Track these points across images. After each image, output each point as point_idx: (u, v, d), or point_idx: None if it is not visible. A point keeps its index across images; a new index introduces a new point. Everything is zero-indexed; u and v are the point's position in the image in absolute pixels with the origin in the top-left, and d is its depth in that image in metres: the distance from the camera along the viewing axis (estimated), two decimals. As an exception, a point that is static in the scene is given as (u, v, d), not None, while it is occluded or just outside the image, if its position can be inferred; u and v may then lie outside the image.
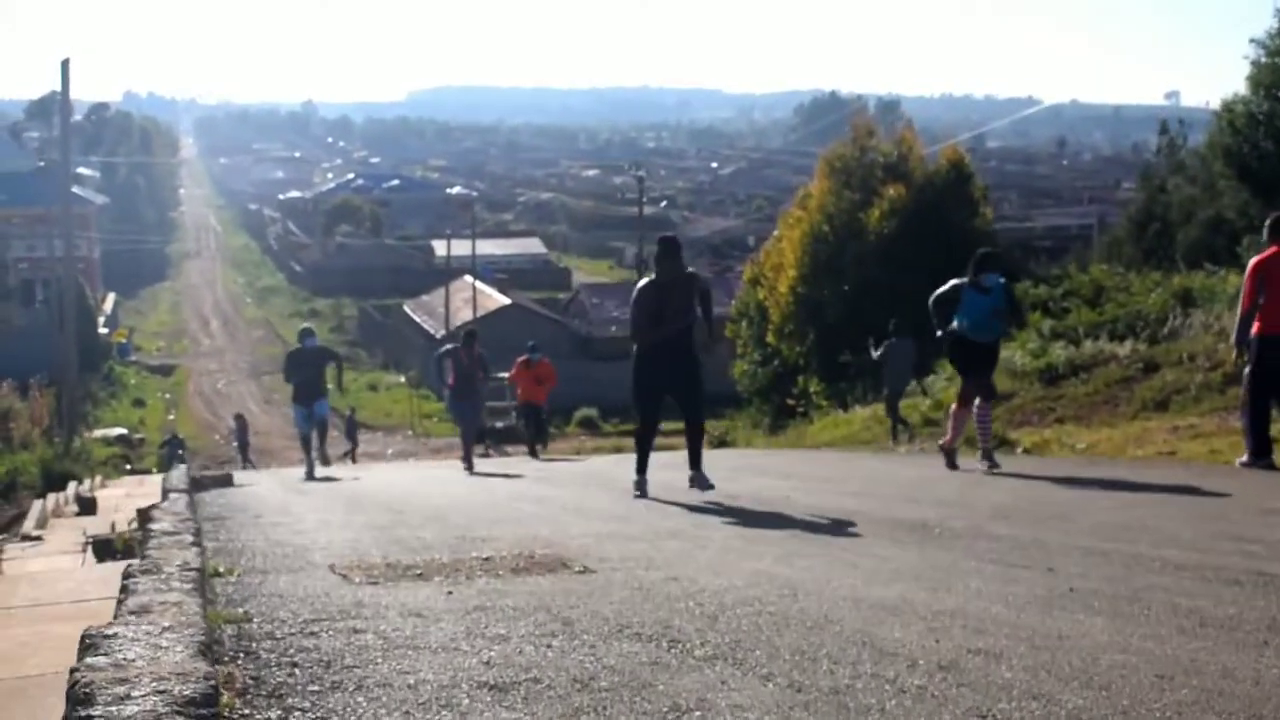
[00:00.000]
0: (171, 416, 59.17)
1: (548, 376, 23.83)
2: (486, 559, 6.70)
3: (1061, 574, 5.89)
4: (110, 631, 3.07)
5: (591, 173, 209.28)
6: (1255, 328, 10.88)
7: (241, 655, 4.11)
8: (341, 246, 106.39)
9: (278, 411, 61.33)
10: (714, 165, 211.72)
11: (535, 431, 24.26)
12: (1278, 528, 7.50)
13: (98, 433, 48.99)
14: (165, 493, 11.75)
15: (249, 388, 67.83)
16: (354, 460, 42.96)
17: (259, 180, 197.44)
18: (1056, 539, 7.18)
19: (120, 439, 49.28)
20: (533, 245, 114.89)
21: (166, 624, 3.21)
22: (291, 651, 4.20)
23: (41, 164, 64.92)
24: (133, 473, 41.22)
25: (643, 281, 11.02)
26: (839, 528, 8.05)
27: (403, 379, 66.42)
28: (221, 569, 6.35)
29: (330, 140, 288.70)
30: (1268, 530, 7.31)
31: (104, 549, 11.61)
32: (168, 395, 64.67)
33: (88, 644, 2.98)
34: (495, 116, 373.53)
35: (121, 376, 66.22)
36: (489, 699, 3.61)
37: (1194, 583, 5.55)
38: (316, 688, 3.70)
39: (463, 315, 65.50)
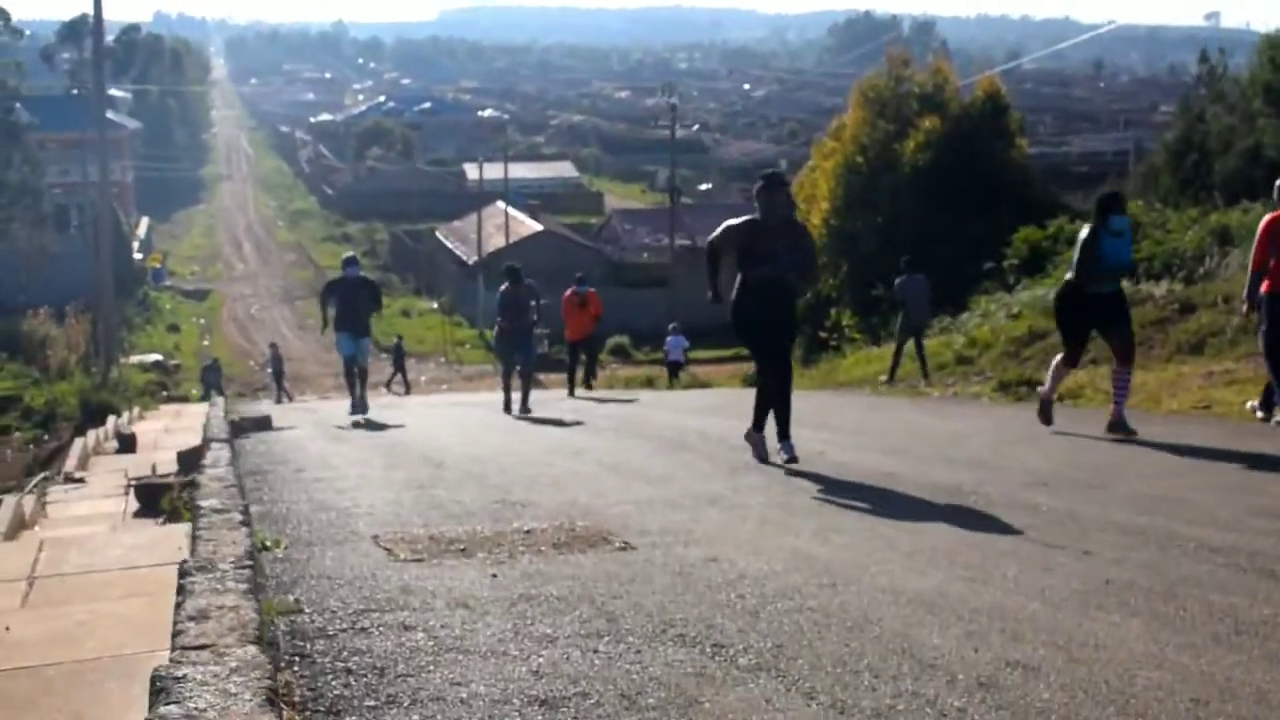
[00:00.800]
0: (206, 342, 59.60)
1: (597, 309, 22.88)
2: (528, 532, 6.81)
3: (1098, 558, 5.95)
4: (179, 674, 3.16)
5: (624, 94, 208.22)
6: (1265, 286, 10.87)
7: (297, 659, 4.22)
8: (373, 170, 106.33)
9: (311, 337, 61.66)
10: (746, 87, 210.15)
11: (587, 369, 23.36)
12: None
13: (134, 359, 49.48)
14: (206, 442, 11.88)
15: (282, 313, 68.21)
16: (406, 389, 43.16)
17: (290, 102, 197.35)
18: (1092, 512, 7.22)
19: (156, 365, 49.77)
20: (565, 169, 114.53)
21: (233, 664, 3.30)
22: (345, 654, 4.30)
23: (75, 91, 64.71)
24: (169, 399, 41.65)
25: (736, 220, 9.92)
26: (875, 496, 8.11)
27: (435, 305, 66.58)
28: (269, 542, 6.48)
29: (361, 61, 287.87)
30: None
31: (147, 496, 11.79)
32: (202, 321, 65.08)
33: (158, 688, 3.08)
34: (527, 37, 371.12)
35: (156, 301, 66.66)
36: (540, 718, 3.70)
37: (1229, 573, 5.60)
38: (373, 702, 3.80)
39: (495, 241, 65.54)
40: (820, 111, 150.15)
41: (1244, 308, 11.86)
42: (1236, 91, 45.47)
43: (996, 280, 27.47)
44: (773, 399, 10.06)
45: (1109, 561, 5.87)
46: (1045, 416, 11.77)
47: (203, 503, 6.51)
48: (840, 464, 9.71)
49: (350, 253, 19.62)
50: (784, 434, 9.92)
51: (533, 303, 17.95)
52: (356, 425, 15.65)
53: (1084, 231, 11.32)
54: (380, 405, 22.37)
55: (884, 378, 21.86)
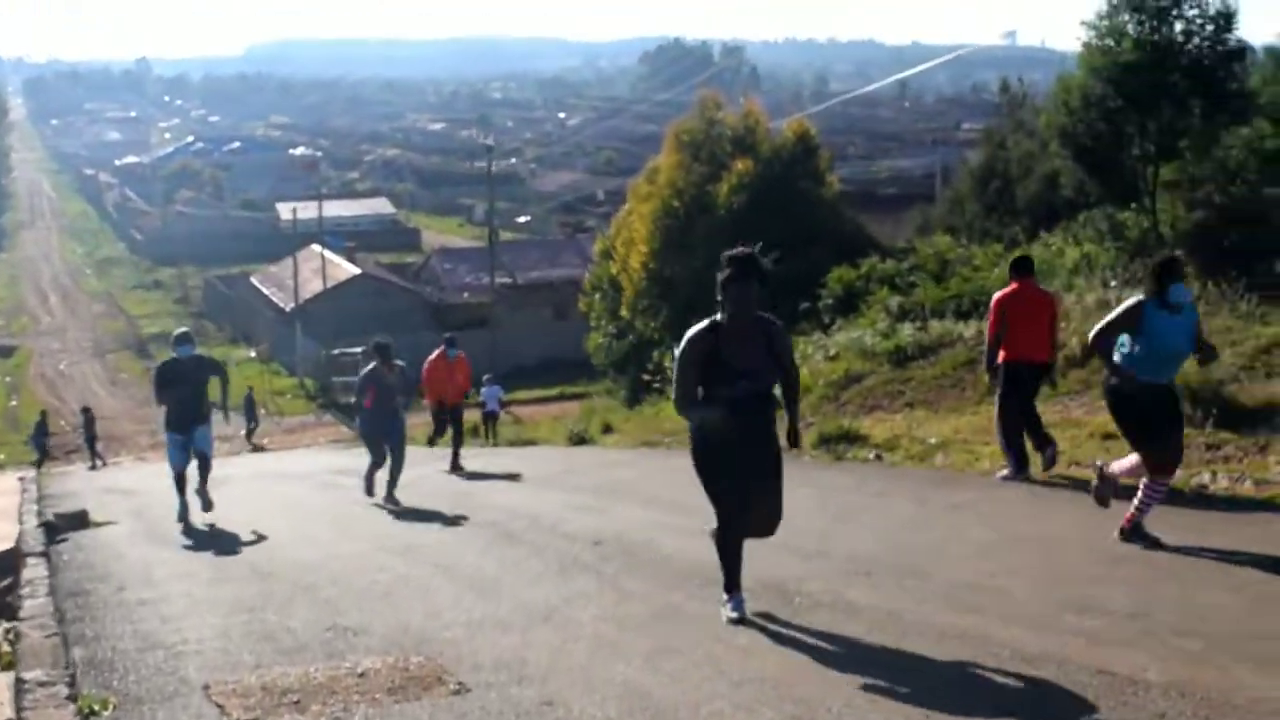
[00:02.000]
0: (14, 402, 57.58)
1: (466, 374, 20.59)
2: (361, 675, 6.79)
3: (919, 680, 6.17)
4: None
5: (438, 126, 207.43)
6: (1001, 355, 12.47)
7: None
8: (182, 213, 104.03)
9: (124, 393, 60.09)
10: (562, 115, 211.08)
11: (456, 439, 20.13)
12: (1110, 585, 7.90)
13: (-64, 422, 47.59)
14: (22, 556, 11.53)
15: (93, 368, 66.24)
16: (250, 441, 42.49)
17: (93, 142, 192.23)
18: (912, 610, 7.48)
19: (-39, 429, 47.87)
20: (381, 205, 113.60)
21: None
22: None
23: None
24: (-26, 463, 40.18)
25: (697, 326, 7.70)
26: (702, 595, 8.28)
27: (253, 353, 65.39)
28: (96, 705, 6.34)
29: (167, 99, 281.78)
30: (1103, 591, 7.71)
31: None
32: (8, 379, 62.85)
33: None
34: (339, 70, 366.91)
35: (-42, 361, 64.21)
36: None
37: (1047, 697, 5.88)
38: None
39: (312, 286, 64.65)
40: (635, 140, 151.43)
41: (987, 373, 13.28)
42: (1035, 120, 47.28)
43: (813, 320, 28.03)
44: (735, 547, 8.02)
45: (933, 685, 6.09)
46: (1103, 499, 9.74)
47: (26, 675, 6.34)
48: (669, 557, 9.85)
49: (183, 328, 15.76)
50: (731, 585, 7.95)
51: (400, 393, 15.68)
52: (189, 529, 13.65)
53: (1128, 302, 9.29)
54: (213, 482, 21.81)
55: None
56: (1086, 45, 25.90)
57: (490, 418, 32.17)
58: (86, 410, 41.29)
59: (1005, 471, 12.57)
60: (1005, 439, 12.62)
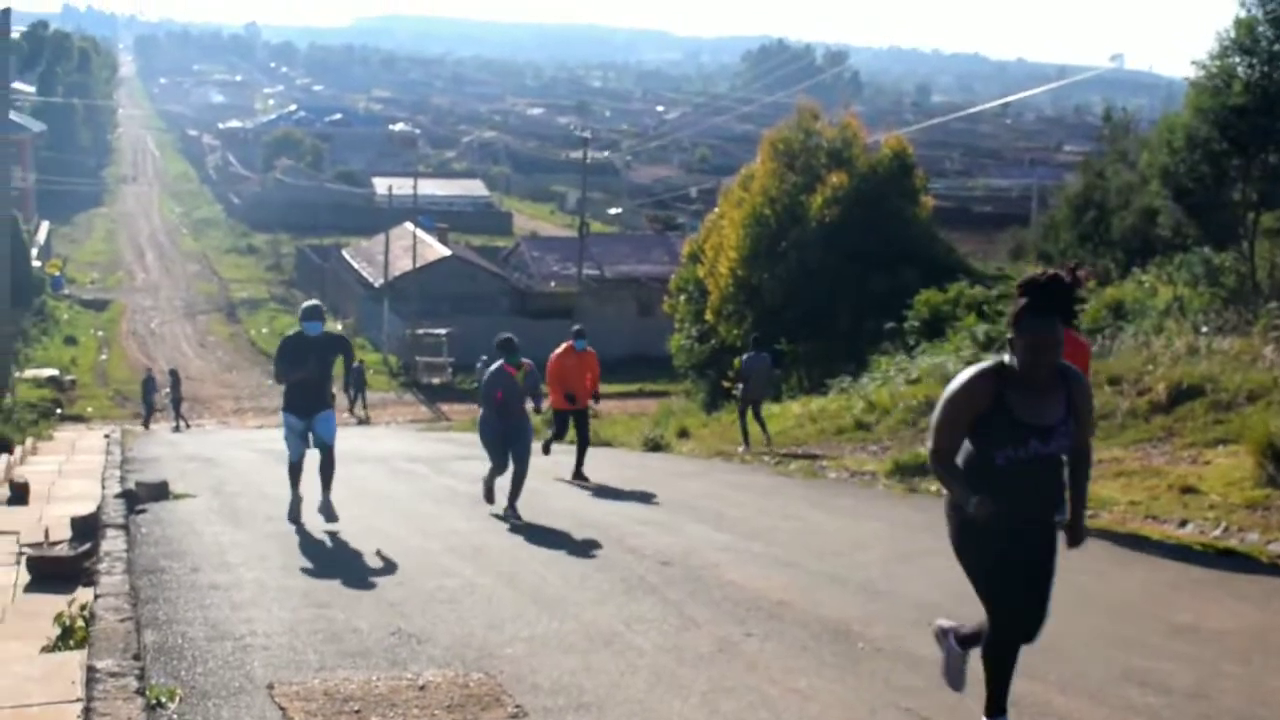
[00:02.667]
0: (104, 356, 58.66)
1: (596, 373, 18.10)
2: (422, 688, 6.90)
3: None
4: None
5: (537, 111, 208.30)
6: None
7: None
8: (280, 181, 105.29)
9: (211, 355, 61.02)
10: (660, 109, 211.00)
11: (582, 444, 17.80)
12: (1174, 660, 7.82)
13: (29, 373, 48.52)
14: (101, 527, 11.80)
15: (183, 328, 67.33)
16: (356, 414, 42.45)
17: (199, 104, 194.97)
18: (973, 668, 7.44)
19: (52, 380, 48.84)
20: (475, 187, 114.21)
21: None
22: None
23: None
24: (63, 418, 41.07)
25: (977, 367, 6.07)
26: (764, 634, 8.31)
27: (339, 326, 66.09)
28: (163, 697, 6.51)
29: (273, 65, 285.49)
30: (1167, 666, 7.64)
31: (39, 569, 11.71)
32: (100, 333, 64.02)
33: None
34: (442, 48, 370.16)
35: (54, 311, 65.40)
36: None
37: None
38: None
39: (402, 264, 65.27)
40: (732, 138, 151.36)
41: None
42: (1137, 150, 46.61)
43: (897, 341, 27.92)
44: (1011, 658, 6.46)
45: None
46: None
47: (98, 664, 6.51)
48: (733, 584, 9.89)
49: (313, 301, 13.70)
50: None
51: (528, 395, 14.30)
52: (299, 523, 12.74)
53: None
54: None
55: (741, 447, 22.35)
56: (1195, 85, 25.53)
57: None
58: (174, 372, 42.06)
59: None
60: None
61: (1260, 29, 24.90)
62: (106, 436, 28.44)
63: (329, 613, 8.74)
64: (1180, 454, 15.74)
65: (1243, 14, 25.10)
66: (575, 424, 17.84)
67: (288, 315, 71.16)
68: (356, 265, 73.08)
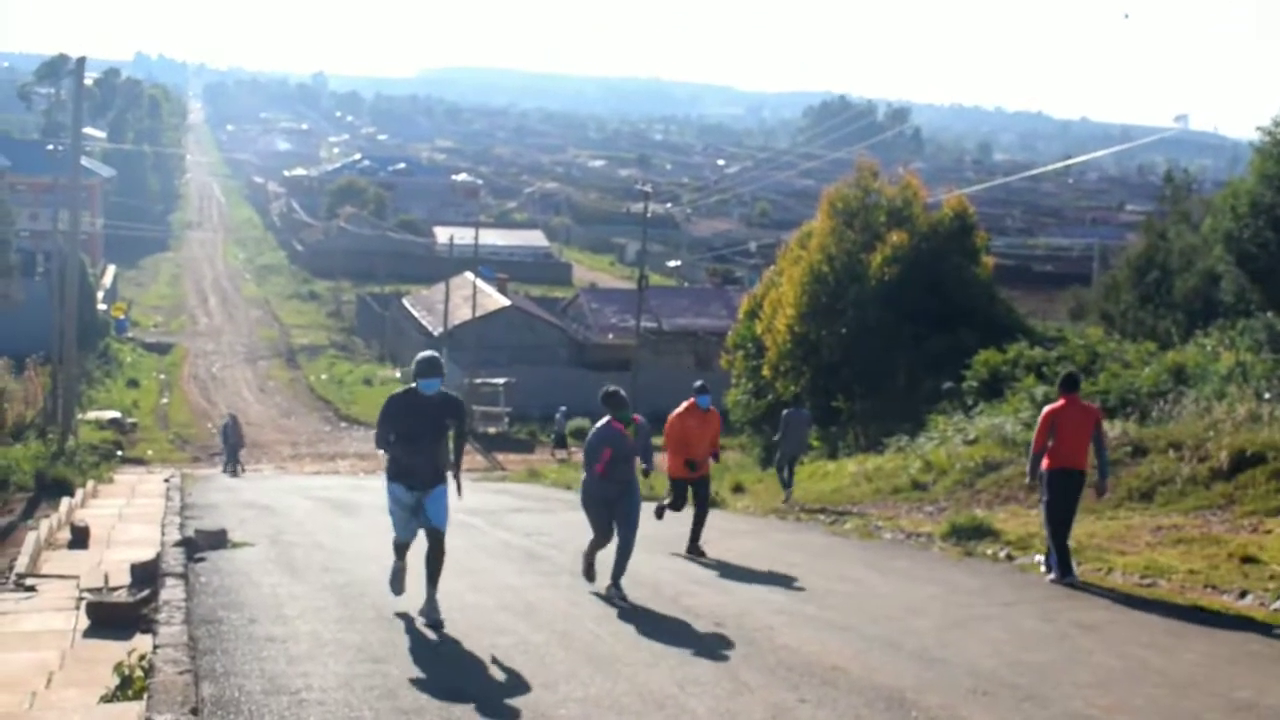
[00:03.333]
0: (165, 400, 59.32)
1: (717, 431, 15.86)
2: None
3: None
4: None
5: (598, 163, 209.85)
6: (1045, 463, 13.52)
7: None
8: (343, 229, 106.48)
9: (270, 400, 61.54)
10: (721, 163, 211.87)
11: (700, 514, 15.54)
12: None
13: (91, 414, 49.17)
14: (161, 575, 11.94)
15: (244, 373, 68.00)
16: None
17: (265, 151, 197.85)
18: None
19: (113, 423, 49.44)
20: (535, 238, 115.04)
21: None
22: None
23: (50, 146, 63.94)
24: (123, 460, 41.52)
25: None
26: (817, 702, 8.29)
27: (398, 374, 66.53)
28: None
29: (339, 114, 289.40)
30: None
31: (98, 615, 11.89)
32: (163, 376, 64.80)
33: None
34: (506, 100, 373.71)
35: (118, 354, 66.33)
36: None
37: None
38: None
39: (462, 313, 65.69)
40: (792, 193, 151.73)
41: (1029, 480, 14.44)
42: (1200, 211, 46.33)
43: (955, 401, 27.77)
44: None
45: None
46: None
47: (155, 717, 6.60)
48: (787, 648, 9.86)
49: (430, 352, 11.23)
50: None
51: (637, 456, 12.47)
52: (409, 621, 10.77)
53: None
54: (343, 509, 22.18)
55: (783, 498, 23.10)
56: (1259, 150, 25.40)
57: (561, 440, 34.04)
58: (234, 418, 42.45)
59: (1053, 574, 13.48)
60: (1054, 541, 13.51)
61: (1326, 96, 24.80)
62: (167, 481, 28.76)
63: (384, 668, 8.79)
64: (1240, 522, 15.60)
65: (1308, 80, 25.00)
66: (694, 493, 15.62)
67: (347, 362, 71.79)
68: (416, 314, 73.65)
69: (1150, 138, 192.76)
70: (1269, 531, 14.75)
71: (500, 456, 50.06)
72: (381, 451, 11.18)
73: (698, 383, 15.92)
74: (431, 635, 10.13)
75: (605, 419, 12.22)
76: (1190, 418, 20.87)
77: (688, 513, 15.59)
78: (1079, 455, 13.60)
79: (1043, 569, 13.89)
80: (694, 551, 15.27)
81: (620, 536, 12.23)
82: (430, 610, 10.58)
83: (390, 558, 11.23)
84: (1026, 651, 9.97)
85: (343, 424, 57.84)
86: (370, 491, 26.53)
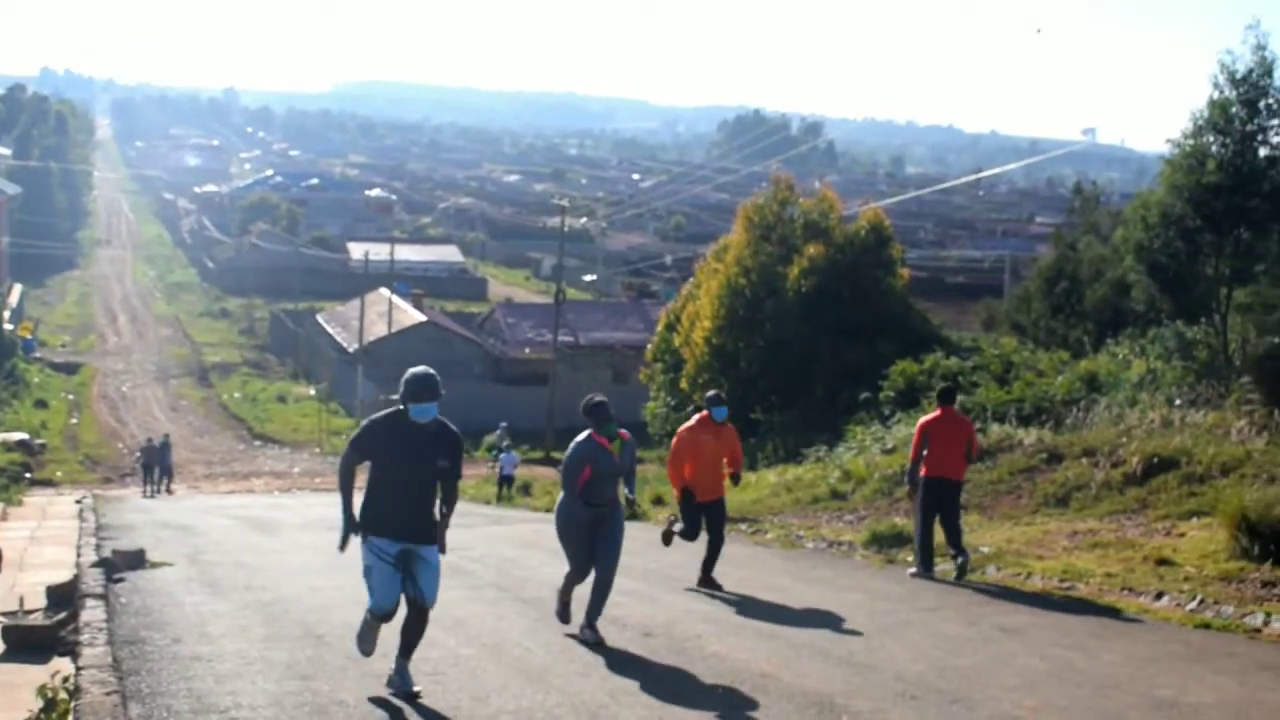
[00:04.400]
0: (75, 420, 58.33)
1: (735, 448, 13.92)
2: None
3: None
4: None
5: (513, 178, 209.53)
6: (923, 470, 14.14)
7: None
8: (256, 246, 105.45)
9: (182, 419, 60.69)
10: (636, 177, 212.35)
11: (714, 543, 13.62)
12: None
13: (-1, 437, 48.23)
14: (80, 596, 11.74)
15: (155, 392, 67.05)
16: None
17: (175, 167, 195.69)
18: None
19: (21, 444, 48.46)
20: (450, 253, 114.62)
21: None
22: None
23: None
24: (32, 483, 40.79)
25: None
26: (748, 710, 8.33)
27: (312, 391, 65.93)
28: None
29: (250, 130, 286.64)
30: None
31: (15, 638, 11.67)
32: (71, 396, 63.72)
33: None
34: (420, 115, 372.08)
35: (25, 374, 65.06)
36: None
37: None
38: None
39: (377, 329, 65.28)
40: (707, 207, 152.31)
41: (909, 488, 14.95)
42: (1108, 223, 47.17)
43: (873, 411, 28.03)
44: None
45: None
46: None
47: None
48: (716, 656, 9.91)
49: (424, 369, 8.96)
50: None
51: (621, 475, 10.91)
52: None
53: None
54: (262, 527, 21.95)
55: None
56: (1170, 162, 25.93)
57: (507, 481, 35.10)
58: (166, 438, 42.15)
59: (914, 569, 14.32)
60: (920, 540, 14.33)
61: (1234, 110, 25.38)
62: (79, 502, 28.29)
63: (314, 685, 8.71)
64: (1154, 526, 15.87)
65: (1216, 95, 25.57)
66: (708, 519, 13.65)
67: (260, 379, 71.02)
68: (331, 330, 73.07)
69: (1059, 151, 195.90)
70: (1182, 535, 15.02)
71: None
72: (339, 480, 8.96)
73: (711, 392, 14.12)
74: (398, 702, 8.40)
75: (586, 433, 10.65)
76: (1103, 424, 21.24)
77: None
78: (951, 465, 14.15)
79: (909, 570, 14.55)
80: (707, 583, 13.49)
81: (599, 569, 10.66)
82: (401, 680, 8.61)
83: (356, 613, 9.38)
84: (952, 656, 10.08)
85: (257, 442, 57.22)
86: (288, 510, 26.32)
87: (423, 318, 69.35)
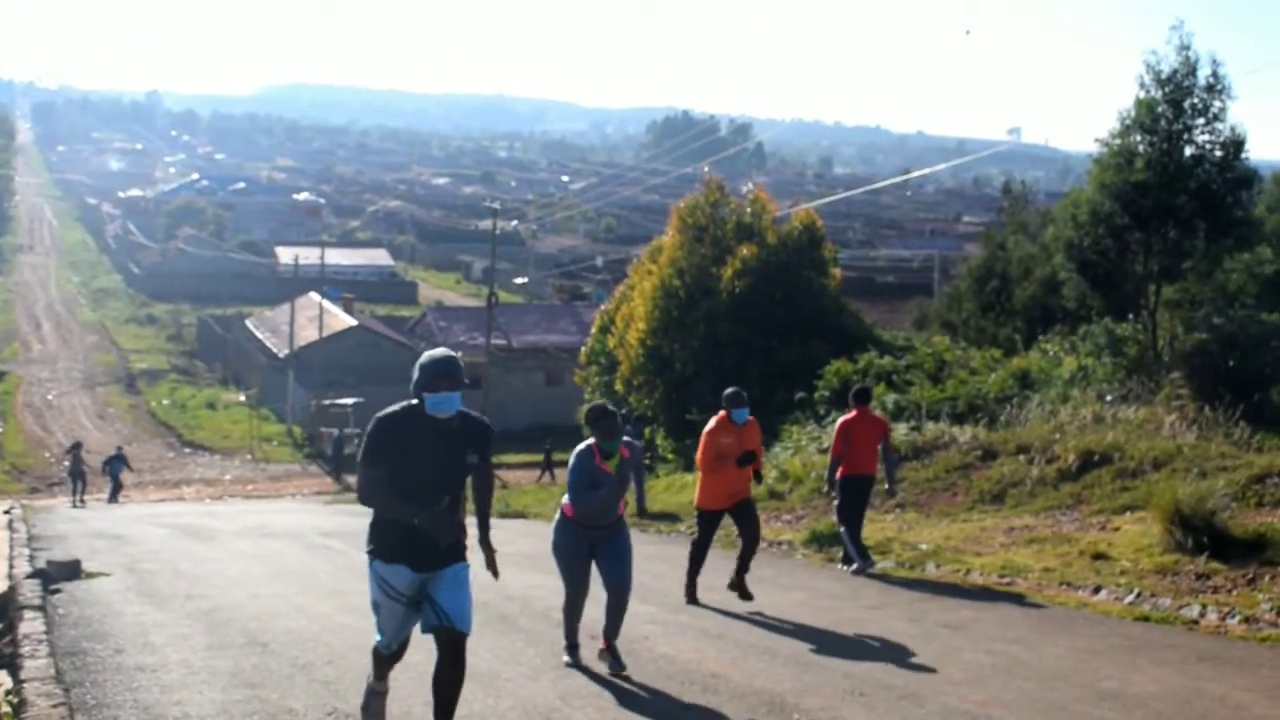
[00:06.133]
0: (0, 428, 57.42)
1: (757, 444, 12.81)
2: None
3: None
4: None
5: (442, 180, 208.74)
6: (840, 471, 14.65)
7: None
8: (182, 250, 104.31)
9: (110, 427, 59.90)
10: (565, 179, 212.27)
11: (748, 544, 12.71)
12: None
13: (-78, 447, 47.45)
14: (19, 609, 11.55)
15: (81, 400, 66.08)
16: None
17: (98, 172, 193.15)
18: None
19: (-55, 455, 47.73)
20: (380, 257, 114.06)
21: None
22: None
23: None
24: (-41, 493, 40.11)
25: None
26: (701, 710, 8.35)
27: (242, 397, 65.31)
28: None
29: (175, 133, 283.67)
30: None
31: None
32: (-5, 405, 62.77)
33: None
34: (347, 117, 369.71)
35: (-53, 384, 64.02)
36: None
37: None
38: None
39: (307, 334, 64.77)
40: (637, 208, 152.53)
41: (825, 488, 15.74)
42: (1036, 222, 47.73)
43: (808, 411, 28.16)
44: None
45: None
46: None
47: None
48: (665, 657, 9.92)
49: (443, 351, 7.31)
50: None
51: (627, 485, 9.89)
52: None
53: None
54: (196, 535, 21.71)
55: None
56: (1098, 161, 26.28)
57: None
58: (77, 444, 41.34)
59: (855, 565, 14.59)
60: (850, 538, 14.76)
61: (1160, 109, 25.75)
62: (7, 512, 27.79)
63: (262, 693, 8.63)
64: (1089, 520, 16.07)
65: (1143, 95, 25.94)
66: (738, 519, 12.86)
67: (189, 386, 70.25)
68: (260, 335, 72.41)
69: (985, 151, 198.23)
70: (1117, 529, 15.22)
71: (350, 479, 49.40)
72: (367, 507, 7.23)
73: (731, 390, 12.81)
74: None
75: (587, 443, 9.66)
76: (1037, 421, 21.47)
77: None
78: (868, 462, 14.74)
79: (841, 566, 14.99)
80: (738, 588, 12.63)
81: (611, 593, 9.73)
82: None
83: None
84: (898, 652, 10.16)
85: (187, 450, 56.59)
86: (222, 518, 26.03)
87: (354, 322, 68.91)
